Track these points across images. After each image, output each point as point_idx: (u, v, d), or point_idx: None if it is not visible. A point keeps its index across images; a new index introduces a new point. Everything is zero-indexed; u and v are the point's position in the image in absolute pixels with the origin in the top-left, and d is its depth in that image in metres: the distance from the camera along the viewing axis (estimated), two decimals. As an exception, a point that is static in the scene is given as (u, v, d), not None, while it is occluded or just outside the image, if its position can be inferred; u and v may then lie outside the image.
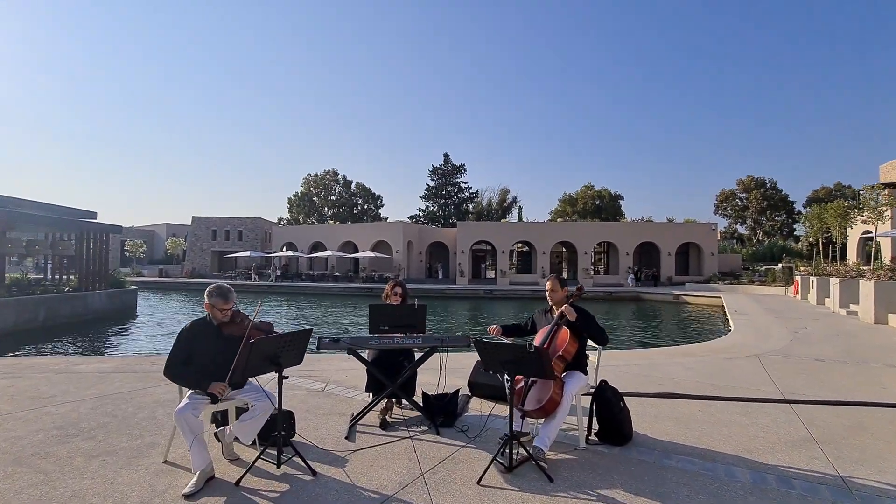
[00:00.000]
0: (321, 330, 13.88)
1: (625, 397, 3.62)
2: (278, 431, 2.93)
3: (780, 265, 25.66)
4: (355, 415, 3.88)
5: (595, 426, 3.57)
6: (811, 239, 23.92)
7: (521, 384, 3.28)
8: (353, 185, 62.76)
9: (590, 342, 3.57)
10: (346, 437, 3.54)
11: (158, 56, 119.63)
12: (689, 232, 32.99)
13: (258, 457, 2.92)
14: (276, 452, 2.95)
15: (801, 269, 20.04)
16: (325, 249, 35.62)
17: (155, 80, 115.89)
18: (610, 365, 5.89)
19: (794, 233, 51.60)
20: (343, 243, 37.33)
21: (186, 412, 2.73)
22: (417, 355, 4.06)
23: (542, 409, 3.11)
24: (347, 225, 45.37)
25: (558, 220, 53.39)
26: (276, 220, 56.62)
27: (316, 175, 62.89)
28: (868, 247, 22.31)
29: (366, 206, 62.83)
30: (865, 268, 14.79)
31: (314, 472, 2.89)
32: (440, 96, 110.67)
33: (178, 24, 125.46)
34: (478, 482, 2.80)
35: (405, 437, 3.55)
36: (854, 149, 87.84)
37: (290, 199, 62.37)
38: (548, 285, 3.64)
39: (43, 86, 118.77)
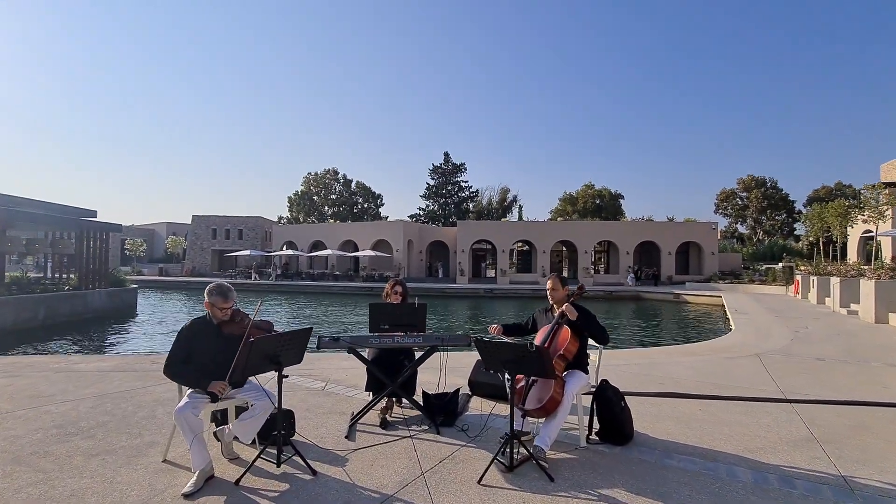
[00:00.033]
0: (321, 329, 13.88)
1: (625, 397, 3.61)
2: (278, 430, 2.92)
3: (780, 264, 25.65)
4: (355, 414, 3.87)
5: (596, 425, 3.56)
6: (812, 238, 23.88)
7: (522, 383, 3.27)
8: (353, 184, 62.70)
9: (591, 341, 3.55)
10: (346, 437, 3.53)
11: (158, 56, 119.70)
12: (690, 231, 32.98)
13: (258, 456, 2.90)
14: (275, 452, 2.94)
15: (802, 268, 20.02)
16: (326, 248, 35.59)
17: (155, 79, 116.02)
18: (610, 364, 5.89)
19: (795, 232, 51.58)
20: (343, 242, 37.32)
21: (186, 411, 2.72)
22: (418, 354, 4.05)
23: (543, 408, 3.10)
24: (347, 224, 45.37)
25: (558, 219, 53.42)
26: (276, 219, 56.67)
27: (316, 174, 62.85)
28: (869, 246, 22.29)
29: (366, 205, 62.79)
30: (866, 267, 14.76)
31: (314, 472, 2.88)
32: (440, 96, 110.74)
33: (178, 24, 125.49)
34: (478, 482, 2.79)
35: (405, 437, 3.54)
36: (854, 148, 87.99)
37: (290, 197, 62.36)
38: (549, 284, 3.63)
39: (43, 86, 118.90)
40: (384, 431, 3.65)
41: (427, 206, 56.44)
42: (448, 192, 56.11)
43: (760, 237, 53.70)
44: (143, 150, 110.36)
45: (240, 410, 3.14)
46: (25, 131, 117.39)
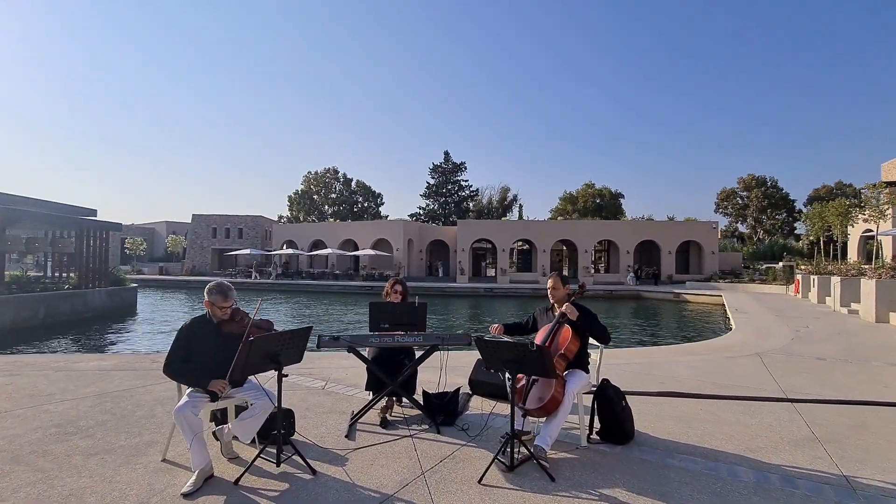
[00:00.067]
0: (321, 328, 13.87)
1: (626, 396, 3.60)
2: (278, 430, 2.91)
3: (780, 264, 25.62)
4: (355, 413, 3.86)
5: (597, 425, 3.55)
6: (812, 237, 23.86)
7: (523, 383, 3.26)
8: (353, 183, 62.65)
9: (591, 341, 3.54)
10: (346, 436, 3.52)
11: (158, 56, 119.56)
12: (690, 230, 32.95)
13: (257, 455, 2.89)
14: (275, 451, 2.94)
15: (802, 267, 20.00)
16: (326, 247, 35.58)
17: (155, 79, 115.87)
18: (611, 364, 5.87)
19: (795, 231, 51.51)
20: (343, 241, 37.30)
21: (186, 410, 2.71)
22: (418, 353, 4.04)
23: (544, 407, 3.09)
24: (348, 223, 45.35)
25: (559, 218, 53.38)
26: (276, 218, 56.61)
27: (316, 173, 62.80)
28: (869, 245, 22.27)
29: (366, 204, 62.75)
30: (866, 266, 14.75)
31: (314, 471, 2.87)
32: (440, 96, 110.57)
33: (178, 24, 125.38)
34: (479, 481, 2.78)
35: (406, 436, 3.53)
36: (855, 148, 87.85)
37: (290, 196, 62.32)
38: (549, 283, 3.61)
39: (43, 86, 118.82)
40: (384, 431, 3.64)
41: (427, 205, 56.43)
42: (448, 192, 56.08)
43: (761, 236, 53.66)
44: (143, 149, 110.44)
45: (239, 410, 3.13)
46: (25, 131, 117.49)
